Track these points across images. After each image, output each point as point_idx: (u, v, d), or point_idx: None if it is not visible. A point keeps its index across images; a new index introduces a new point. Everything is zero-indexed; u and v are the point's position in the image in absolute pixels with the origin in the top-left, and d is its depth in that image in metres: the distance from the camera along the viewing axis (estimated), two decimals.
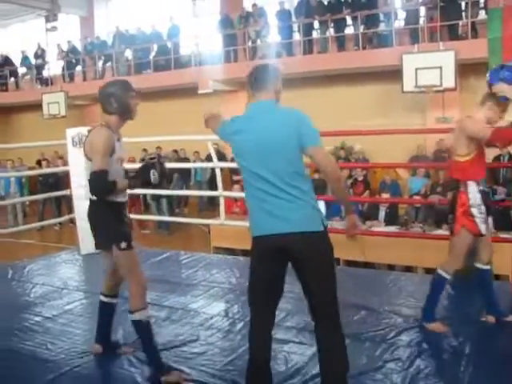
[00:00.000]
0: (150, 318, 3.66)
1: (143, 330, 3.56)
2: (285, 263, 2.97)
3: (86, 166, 3.98)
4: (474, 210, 3.87)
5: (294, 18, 14.45)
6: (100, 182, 3.37)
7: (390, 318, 4.30)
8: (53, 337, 4.22)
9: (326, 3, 13.96)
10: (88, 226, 3.65)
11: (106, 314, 3.89)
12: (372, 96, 13.12)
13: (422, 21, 12.78)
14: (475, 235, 3.94)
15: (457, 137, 3.95)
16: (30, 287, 5.64)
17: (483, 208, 3.87)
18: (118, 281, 3.84)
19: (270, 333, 3.03)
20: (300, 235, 2.82)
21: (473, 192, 3.89)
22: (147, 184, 3.68)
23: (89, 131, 3.90)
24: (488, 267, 4.13)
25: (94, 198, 3.51)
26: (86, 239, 6.89)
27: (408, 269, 7.51)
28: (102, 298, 3.93)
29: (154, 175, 3.63)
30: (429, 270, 7.29)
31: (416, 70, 11.66)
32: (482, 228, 3.88)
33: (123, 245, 3.51)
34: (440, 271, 4.07)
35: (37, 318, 4.65)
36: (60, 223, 11.88)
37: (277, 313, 4.45)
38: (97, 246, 3.76)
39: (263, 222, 2.91)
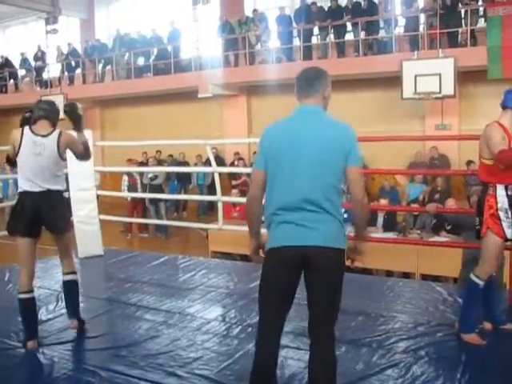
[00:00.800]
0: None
1: (76, 286, 4.44)
2: (301, 272, 2.92)
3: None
4: (502, 214, 3.80)
5: (294, 24, 14.47)
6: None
7: (387, 324, 4.30)
8: (49, 340, 4.20)
9: (326, 9, 13.99)
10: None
11: (33, 310, 4.27)
12: (371, 102, 13.13)
13: (421, 28, 12.81)
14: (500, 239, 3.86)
15: (482, 140, 3.90)
16: None
17: (510, 213, 3.81)
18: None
19: (279, 340, 2.97)
20: (324, 249, 2.81)
21: (501, 195, 3.81)
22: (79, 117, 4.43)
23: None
24: (493, 273, 4.11)
25: (58, 188, 4.18)
26: (83, 243, 6.90)
27: (406, 275, 7.51)
28: (27, 296, 4.20)
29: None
30: (426, 277, 7.31)
31: (415, 76, 11.69)
32: (508, 233, 3.80)
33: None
34: (473, 277, 3.93)
35: None
36: None
37: None
38: (57, 230, 4.33)
39: (289, 232, 2.86)
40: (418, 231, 8.69)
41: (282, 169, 2.89)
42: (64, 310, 4.89)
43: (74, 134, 4.44)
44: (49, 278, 6.10)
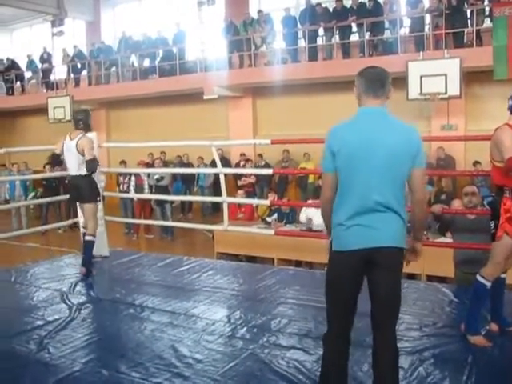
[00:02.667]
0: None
1: (89, 244, 6.22)
2: (365, 272, 2.95)
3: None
4: None
5: (299, 25, 14.46)
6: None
7: None
8: (55, 340, 4.22)
9: (331, 10, 13.98)
10: None
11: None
12: None
13: (427, 28, 12.79)
14: None
15: (493, 144, 3.84)
16: (33, 291, 5.65)
17: None
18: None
19: (349, 338, 3.01)
20: (390, 249, 2.87)
21: None
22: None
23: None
24: (504, 276, 4.09)
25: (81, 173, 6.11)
26: None
27: (411, 276, 7.49)
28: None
29: None
30: (432, 278, 7.29)
31: (421, 77, 11.68)
32: None
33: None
34: (479, 278, 3.88)
35: (39, 322, 4.66)
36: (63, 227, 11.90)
37: (279, 319, 4.50)
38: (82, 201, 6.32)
39: (358, 234, 2.88)
40: (424, 231, 8.66)
41: (354, 172, 2.90)
42: (70, 311, 4.94)
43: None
44: (56, 279, 6.11)
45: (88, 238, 6.22)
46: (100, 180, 7.06)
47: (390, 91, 3.08)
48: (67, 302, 5.23)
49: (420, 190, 3.00)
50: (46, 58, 19.73)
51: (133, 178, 12.73)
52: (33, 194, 15.01)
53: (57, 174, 11.75)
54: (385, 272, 2.90)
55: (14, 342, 4.20)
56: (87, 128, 6.20)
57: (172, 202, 13.08)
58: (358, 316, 3.06)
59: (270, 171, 8.80)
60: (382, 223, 2.87)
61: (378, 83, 3.04)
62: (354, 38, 13.86)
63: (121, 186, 12.99)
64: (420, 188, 3.00)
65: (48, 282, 5.97)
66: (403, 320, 4.38)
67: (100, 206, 6.92)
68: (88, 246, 6.23)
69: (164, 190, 12.52)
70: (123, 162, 13.28)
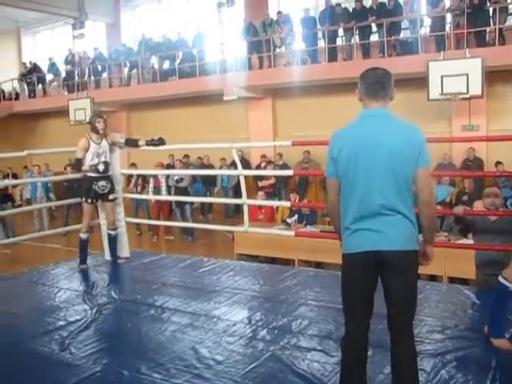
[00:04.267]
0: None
1: (113, 238, 6.83)
2: (378, 273, 2.96)
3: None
4: None
5: (318, 25, 14.42)
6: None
7: (414, 328, 4.18)
8: (76, 341, 4.25)
9: (350, 10, 13.93)
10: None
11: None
12: (397, 104, 12.81)
13: (448, 27, 12.67)
14: None
15: None
16: (55, 291, 5.70)
17: None
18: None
19: (366, 340, 3.02)
20: (398, 253, 2.87)
21: None
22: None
23: None
24: None
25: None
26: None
27: (433, 278, 7.43)
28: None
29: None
30: (454, 279, 7.21)
31: (442, 77, 11.57)
32: None
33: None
34: (502, 280, 3.80)
35: (61, 322, 4.70)
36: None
37: (300, 320, 4.48)
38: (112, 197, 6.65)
39: (364, 238, 2.91)
40: (445, 233, 8.58)
41: (355, 176, 2.92)
42: (91, 312, 4.97)
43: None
44: (76, 280, 6.17)
45: (112, 232, 6.79)
46: (120, 181, 7.11)
47: (392, 92, 3.06)
48: (88, 302, 5.27)
49: (425, 191, 2.95)
50: (71, 60, 19.90)
51: (151, 179, 12.79)
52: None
53: (77, 175, 11.86)
54: (396, 274, 2.91)
55: (37, 343, 4.24)
56: (93, 130, 6.44)
57: (192, 203, 13.11)
58: (378, 318, 3.05)
59: (290, 173, 8.78)
60: (388, 226, 2.88)
61: (378, 85, 3.02)
62: (374, 38, 13.79)
63: (134, 187, 13.05)
64: (425, 189, 2.95)
65: (69, 283, 6.02)
66: (425, 322, 4.34)
67: (121, 207, 6.97)
68: (113, 240, 6.85)
69: (184, 191, 12.55)
70: (133, 165, 13.35)
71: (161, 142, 6.62)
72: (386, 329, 3.03)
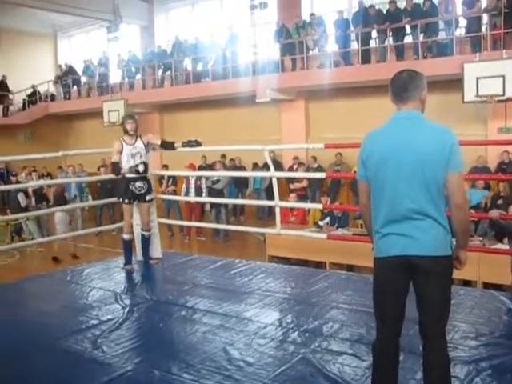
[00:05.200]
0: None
1: (148, 240, 6.83)
2: (409, 277, 2.93)
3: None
4: None
5: (351, 27, 14.33)
6: None
7: (447, 334, 4.15)
8: (108, 340, 4.30)
9: (384, 12, 13.80)
10: None
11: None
12: (431, 106, 12.67)
13: (484, 28, 12.45)
14: None
15: None
16: (87, 290, 5.77)
17: None
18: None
19: (397, 345, 3.00)
20: (430, 258, 2.82)
21: None
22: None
23: None
24: None
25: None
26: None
27: (466, 283, 7.32)
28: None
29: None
30: (488, 285, 7.10)
31: (477, 79, 11.39)
32: None
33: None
34: None
35: (93, 321, 4.76)
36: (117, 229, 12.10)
37: (331, 324, 4.46)
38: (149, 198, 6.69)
39: (395, 242, 2.88)
40: (480, 238, 8.45)
41: (385, 180, 2.89)
42: (123, 311, 5.02)
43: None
44: (108, 280, 6.23)
45: (145, 233, 6.83)
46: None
47: (420, 94, 2.99)
48: (121, 302, 5.32)
49: (457, 195, 2.87)
50: (104, 62, 20.18)
51: (192, 180, 12.86)
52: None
53: (111, 176, 12.01)
54: (427, 280, 2.86)
55: (70, 341, 4.30)
56: (124, 131, 6.53)
57: (226, 205, 13.14)
58: (409, 322, 3.02)
59: (322, 175, 8.75)
60: (418, 231, 2.83)
61: (402, 87, 2.99)
62: (408, 39, 13.64)
63: (165, 189, 13.15)
64: (457, 192, 2.87)
65: (102, 282, 6.09)
66: (459, 328, 4.28)
67: (153, 208, 7.02)
68: (147, 242, 6.89)
69: (219, 192, 12.58)
70: (165, 166, 13.46)
71: (197, 143, 6.68)
72: (418, 333, 2.99)
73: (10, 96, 21.63)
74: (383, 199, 2.91)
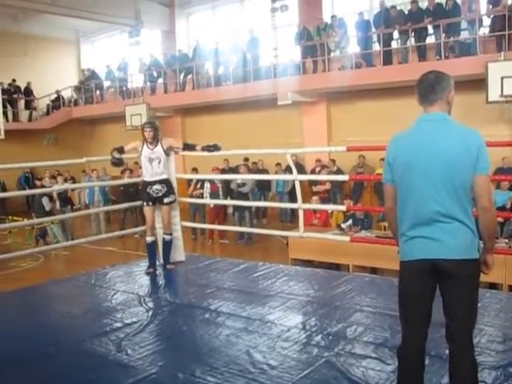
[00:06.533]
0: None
1: (169, 244, 6.76)
2: (436, 282, 2.90)
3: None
4: None
5: (373, 29, 14.26)
6: None
7: (474, 337, 4.12)
8: (132, 343, 4.32)
9: (406, 12, 13.72)
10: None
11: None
12: (455, 107, 12.68)
13: (508, 27, 12.28)
14: None
15: None
16: (111, 293, 5.81)
17: None
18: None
19: (423, 350, 2.97)
20: (457, 262, 2.79)
21: None
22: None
23: None
24: None
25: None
26: None
27: (492, 286, 7.23)
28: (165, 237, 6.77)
29: None
30: None
31: (502, 78, 11.26)
32: None
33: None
34: None
35: (117, 324, 4.78)
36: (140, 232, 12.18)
37: (355, 327, 4.43)
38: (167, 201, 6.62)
39: (421, 246, 2.86)
40: (506, 240, 8.34)
41: (411, 182, 2.87)
42: (147, 314, 5.04)
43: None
44: (132, 283, 6.26)
45: (167, 237, 6.77)
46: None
47: (446, 95, 2.96)
48: (144, 305, 5.34)
49: (484, 197, 2.83)
50: (123, 67, 20.35)
51: (207, 184, 12.91)
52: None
53: (134, 179, 12.10)
54: (454, 284, 2.83)
55: (95, 343, 4.33)
56: (143, 137, 6.53)
57: (250, 208, 13.16)
58: (435, 326, 2.98)
59: (345, 178, 8.72)
60: (445, 234, 2.80)
61: (428, 89, 2.95)
62: (430, 40, 13.53)
63: (193, 192, 13.19)
64: (484, 195, 2.83)
65: (126, 285, 6.13)
66: (485, 332, 4.22)
67: (176, 211, 7.04)
68: (169, 246, 6.85)
69: (244, 196, 12.59)
70: (195, 169, 13.51)
71: (215, 148, 6.68)
72: (444, 337, 2.96)
73: (35, 101, 21.94)
74: (410, 202, 2.88)
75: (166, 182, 6.63)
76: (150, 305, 5.37)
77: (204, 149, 6.73)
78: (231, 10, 19.47)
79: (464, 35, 13.01)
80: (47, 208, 12.81)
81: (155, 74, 19.32)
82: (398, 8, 14.01)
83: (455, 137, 2.85)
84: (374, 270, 8.43)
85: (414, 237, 2.87)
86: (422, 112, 3.03)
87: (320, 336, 4.31)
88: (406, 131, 3.01)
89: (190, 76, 18.16)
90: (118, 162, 6.61)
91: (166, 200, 6.62)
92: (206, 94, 17.17)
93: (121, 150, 6.61)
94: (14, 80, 21.13)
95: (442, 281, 2.86)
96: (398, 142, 3.01)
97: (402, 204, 2.94)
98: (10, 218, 14.30)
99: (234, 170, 13.99)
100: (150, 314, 5.08)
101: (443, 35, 12.85)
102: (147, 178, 6.54)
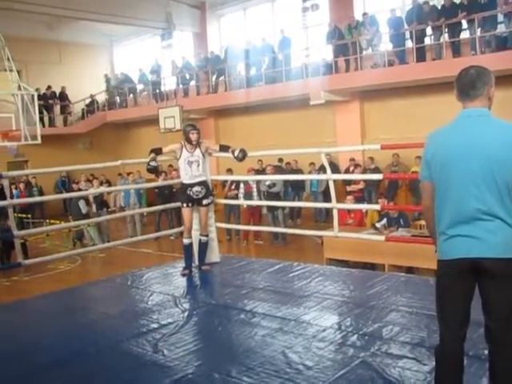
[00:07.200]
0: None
1: (205, 245, 6.83)
2: (475, 281, 2.85)
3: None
4: None
5: (405, 25, 14.10)
6: None
7: None
8: (168, 343, 4.35)
9: (439, 7, 13.52)
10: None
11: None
12: (494, 103, 12.45)
13: None
14: None
15: None
16: (147, 295, 5.87)
17: None
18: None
19: (462, 350, 2.92)
20: (498, 261, 2.74)
21: None
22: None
23: None
24: None
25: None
26: None
27: None
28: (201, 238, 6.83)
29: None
30: None
31: None
32: None
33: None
34: None
35: (154, 325, 4.83)
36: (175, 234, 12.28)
37: (391, 327, 4.39)
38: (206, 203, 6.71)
39: (462, 244, 2.81)
40: None
41: (451, 179, 2.83)
42: (182, 315, 5.07)
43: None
44: (167, 284, 6.32)
45: (203, 238, 6.83)
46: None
47: (487, 90, 2.91)
48: (180, 306, 5.38)
49: None
50: (156, 70, 20.54)
51: (242, 185, 12.94)
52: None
53: (169, 182, 12.20)
54: (494, 283, 2.77)
55: (132, 344, 4.38)
56: (187, 140, 6.56)
57: (284, 209, 13.13)
58: (473, 325, 2.93)
59: (380, 176, 8.64)
60: (486, 233, 2.74)
61: (468, 84, 2.90)
62: (465, 35, 13.31)
63: (228, 193, 13.24)
64: None
65: (161, 287, 6.18)
66: None
67: (211, 213, 7.08)
68: (204, 247, 6.90)
69: (275, 196, 12.60)
70: (229, 170, 13.56)
71: (243, 154, 6.62)
72: (483, 337, 2.91)
73: (70, 106, 22.31)
74: (449, 200, 2.83)
75: (205, 184, 6.68)
76: (186, 306, 5.41)
77: (234, 155, 6.67)
78: (262, 11, 19.49)
79: (501, 29, 12.73)
80: (84, 211, 13.00)
81: (187, 77, 19.45)
82: (431, 3, 13.81)
83: (496, 132, 2.80)
84: (409, 270, 8.32)
85: (454, 235, 2.82)
86: (455, 109, 2.98)
87: (356, 336, 4.28)
88: (444, 127, 2.96)
89: (222, 77, 18.24)
90: (153, 170, 6.64)
91: (204, 202, 6.66)
92: (238, 96, 17.22)
93: (159, 151, 6.66)
94: (49, 86, 21.53)
95: (481, 280, 2.81)
96: (437, 138, 2.96)
97: (441, 202, 2.89)
98: (48, 221, 14.55)
99: (262, 173, 13.96)
100: (186, 314, 5.12)
101: (479, 30, 12.62)
102: (186, 181, 6.58)
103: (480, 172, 2.74)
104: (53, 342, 4.59)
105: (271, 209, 12.78)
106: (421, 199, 3.15)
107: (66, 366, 4.07)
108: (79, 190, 14.27)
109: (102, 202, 14.19)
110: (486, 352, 2.91)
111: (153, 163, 6.51)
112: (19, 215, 14.80)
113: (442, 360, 2.92)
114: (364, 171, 13.75)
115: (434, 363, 3.03)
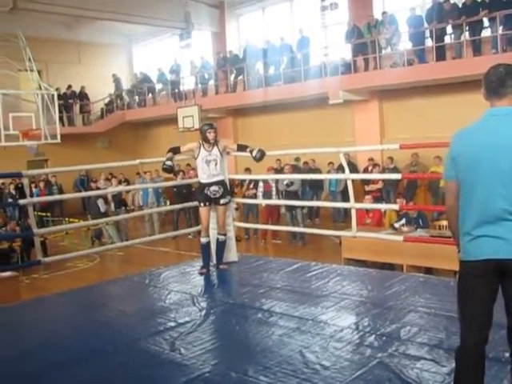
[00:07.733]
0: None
1: (223, 244, 6.81)
2: (498, 282, 2.81)
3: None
4: None
5: (425, 24, 13.99)
6: None
7: None
8: (186, 342, 4.36)
9: (460, 5, 13.39)
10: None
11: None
12: None
13: None
14: None
15: None
16: (165, 293, 5.89)
17: None
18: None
19: (483, 353, 2.88)
20: None
21: None
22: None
23: None
24: None
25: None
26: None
27: None
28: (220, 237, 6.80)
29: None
30: None
31: None
32: None
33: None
34: None
35: (171, 323, 4.84)
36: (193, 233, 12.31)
37: (409, 328, 4.36)
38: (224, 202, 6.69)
39: (487, 245, 2.76)
40: None
41: (477, 179, 2.78)
42: (200, 314, 5.08)
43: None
44: (185, 283, 6.33)
45: (221, 237, 6.82)
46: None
47: None
48: (197, 305, 5.39)
49: None
50: (175, 69, 20.61)
51: (261, 184, 12.93)
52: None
53: (187, 181, 12.23)
54: None
55: (149, 342, 4.41)
56: (204, 139, 6.56)
57: (302, 208, 13.11)
58: (494, 328, 2.89)
59: (398, 176, 8.58)
60: (510, 233, 2.68)
61: (497, 82, 2.84)
62: (486, 33, 13.16)
63: (247, 192, 13.24)
64: None
65: (179, 285, 6.20)
66: None
67: (229, 212, 7.08)
68: (222, 246, 6.88)
69: (294, 195, 12.57)
70: (248, 169, 13.56)
71: (261, 155, 6.52)
72: (504, 339, 2.87)
73: (89, 105, 22.48)
74: (474, 200, 2.78)
75: (223, 183, 6.68)
76: (203, 304, 5.41)
77: (252, 154, 6.59)
78: (280, 10, 19.45)
79: None
80: (102, 209, 13.09)
81: (206, 76, 19.48)
82: (452, 1, 13.68)
83: None
84: (428, 270, 8.26)
85: (480, 236, 2.76)
86: (475, 108, 2.94)
87: (373, 336, 4.26)
88: (470, 126, 2.91)
89: (240, 77, 18.24)
90: (169, 169, 6.62)
91: (222, 201, 6.66)
92: (256, 95, 17.20)
93: (177, 151, 6.67)
94: (70, 86, 21.72)
95: (505, 281, 2.76)
96: (462, 137, 2.91)
97: (466, 202, 2.84)
98: (67, 219, 14.67)
99: (280, 172, 13.94)
100: (203, 313, 5.12)
101: (500, 27, 12.46)
102: (204, 180, 6.59)
103: (507, 171, 2.69)
104: (71, 340, 4.63)
105: (289, 208, 12.76)
106: (439, 199, 3.12)
107: (84, 363, 4.09)
108: (98, 188, 14.36)
109: (120, 201, 14.27)
110: (507, 354, 2.87)
111: (168, 162, 6.50)
112: (39, 213, 14.92)
113: (463, 362, 2.88)
114: (383, 171, 13.67)
115: (452, 365, 3.00)
